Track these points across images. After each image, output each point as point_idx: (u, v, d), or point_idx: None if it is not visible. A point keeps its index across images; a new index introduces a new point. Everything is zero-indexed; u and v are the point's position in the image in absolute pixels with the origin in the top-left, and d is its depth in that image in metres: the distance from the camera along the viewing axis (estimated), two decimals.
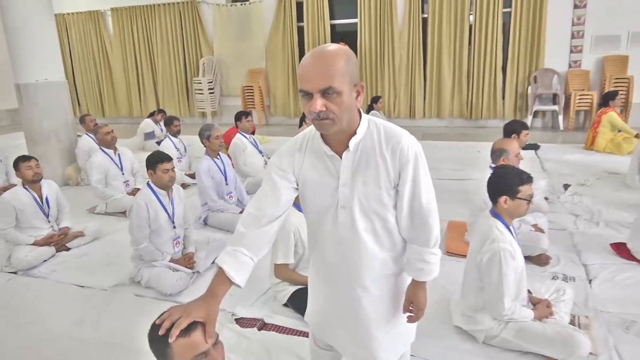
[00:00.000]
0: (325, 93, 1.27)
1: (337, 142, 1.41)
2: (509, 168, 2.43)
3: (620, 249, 3.35)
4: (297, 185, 1.50)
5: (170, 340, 1.19)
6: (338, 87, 1.27)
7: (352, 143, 1.39)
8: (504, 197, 2.30)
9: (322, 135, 1.43)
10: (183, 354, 1.21)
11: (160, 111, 8.35)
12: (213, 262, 3.27)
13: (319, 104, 1.27)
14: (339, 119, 1.31)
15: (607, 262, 3.24)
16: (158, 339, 1.22)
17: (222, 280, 1.33)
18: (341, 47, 1.33)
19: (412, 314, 1.57)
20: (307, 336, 2.45)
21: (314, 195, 1.48)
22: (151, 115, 8.42)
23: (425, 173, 1.43)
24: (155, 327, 1.24)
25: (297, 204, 2.85)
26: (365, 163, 1.40)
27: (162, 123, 8.15)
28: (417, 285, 1.54)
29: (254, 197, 1.50)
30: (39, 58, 5.57)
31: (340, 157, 1.41)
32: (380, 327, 1.56)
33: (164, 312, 1.26)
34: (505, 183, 2.30)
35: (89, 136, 5.89)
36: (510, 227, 2.35)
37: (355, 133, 1.39)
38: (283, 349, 2.47)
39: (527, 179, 2.30)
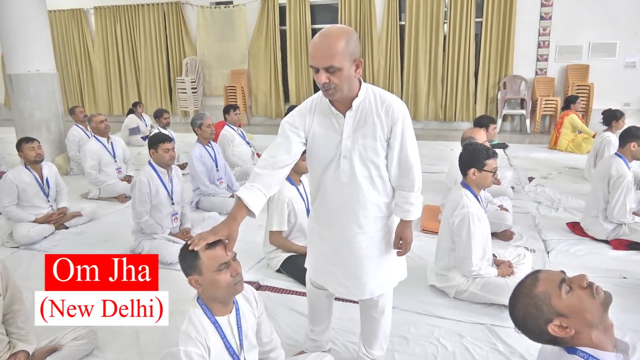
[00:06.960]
0: (328, 70, 1.60)
1: (341, 103, 1.74)
2: (477, 145, 2.80)
3: (575, 228, 3.76)
4: (306, 141, 1.81)
5: (196, 248, 1.49)
6: (338, 65, 1.60)
7: (355, 103, 1.72)
8: (472, 170, 2.65)
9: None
10: (209, 263, 1.52)
11: (137, 103, 8.41)
12: None
13: (323, 77, 1.62)
14: (340, 88, 1.65)
15: (563, 238, 3.64)
16: (189, 252, 1.53)
17: (241, 207, 1.64)
18: (343, 29, 1.65)
19: (400, 249, 1.90)
20: (301, 295, 2.75)
21: (320, 148, 1.80)
22: (131, 111, 8.52)
23: (411, 131, 1.77)
24: (185, 247, 1.54)
25: (290, 179, 3.16)
26: (364, 120, 1.73)
27: (144, 116, 8.30)
28: (404, 224, 1.87)
29: (268, 147, 1.81)
30: (31, 49, 5.73)
31: (344, 116, 1.73)
32: (371, 260, 1.88)
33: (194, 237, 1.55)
34: (474, 157, 2.65)
35: (79, 127, 6.05)
36: (478, 197, 2.71)
37: (357, 96, 1.72)
38: (279, 304, 2.76)
39: (492, 154, 2.66)
